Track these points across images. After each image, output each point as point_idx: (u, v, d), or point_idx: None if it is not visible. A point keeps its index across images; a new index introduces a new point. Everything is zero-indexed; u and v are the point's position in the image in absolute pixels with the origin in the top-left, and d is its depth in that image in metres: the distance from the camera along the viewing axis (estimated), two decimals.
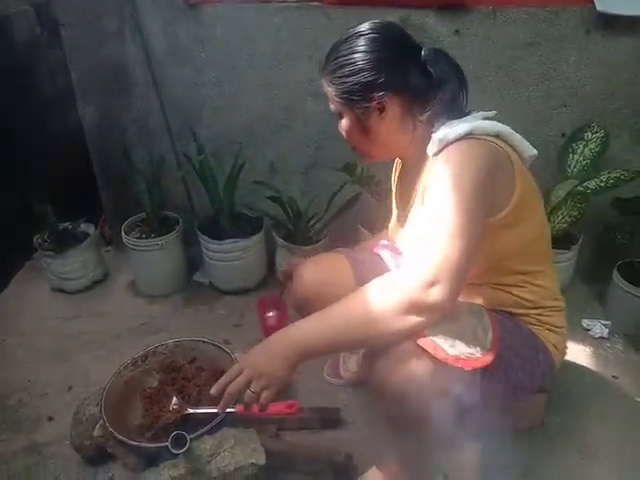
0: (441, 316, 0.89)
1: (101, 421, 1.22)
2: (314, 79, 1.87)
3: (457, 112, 1.02)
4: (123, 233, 1.96)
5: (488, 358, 0.93)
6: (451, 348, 0.90)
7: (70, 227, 2.02)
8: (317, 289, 1.25)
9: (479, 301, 1.08)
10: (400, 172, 1.25)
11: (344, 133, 1.11)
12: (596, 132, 1.81)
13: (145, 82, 1.91)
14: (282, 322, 1.76)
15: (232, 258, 1.93)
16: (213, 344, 1.39)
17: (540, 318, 1.11)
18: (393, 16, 1.74)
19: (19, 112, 2.02)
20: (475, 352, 0.92)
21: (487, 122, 0.99)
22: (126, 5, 1.79)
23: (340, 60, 1.03)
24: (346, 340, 0.95)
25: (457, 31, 1.76)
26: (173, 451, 1.08)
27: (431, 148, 1.00)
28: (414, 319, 0.89)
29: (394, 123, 1.05)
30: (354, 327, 0.93)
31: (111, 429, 1.16)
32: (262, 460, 1.13)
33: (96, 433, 1.24)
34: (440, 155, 0.97)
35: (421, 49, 1.04)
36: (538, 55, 1.80)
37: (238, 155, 1.89)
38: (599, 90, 1.84)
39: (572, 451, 1.34)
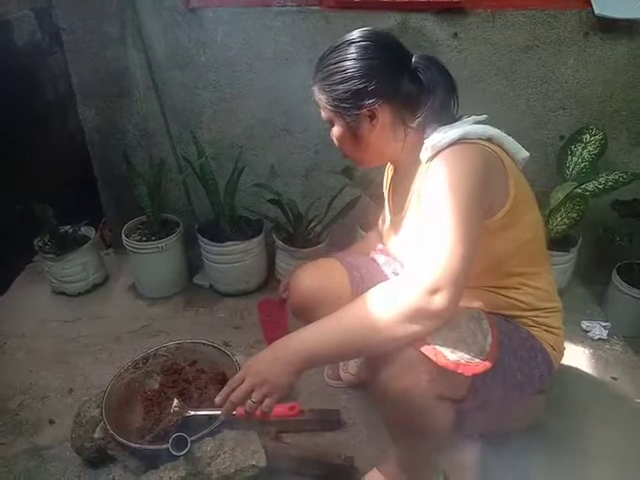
0: (443, 322, 0.90)
1: (102, 423, 1.23)
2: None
3: (448, 118, 1.03)
4: (124, 236, 1.96)
5: (488, 363, 0.93)
6: (452, 354, 0.91)
7: (71, 230, 2.03)
8: (313, 296, 1.25)
9: (476, 304, 1.08)
10: (392, 178, 1.26)
11: (335, 141, 1.12)
12: (594, 134, 1.82)
13: (146, 86, 1.92)
14: (283, 325, 1.76)
15: (232, 261, 1.94)
16: (214, 346, 1.40)
17: (537, 320, 1.12)
18: (392, 20, 1.76)
19: (20, 116, 2.03)
20: (475, 357, 0.92)
21: (479, 126, 0.99)
22: (127, 9, 1.80)
23: (331, 68, 1.03)
24: (350, 348, 0.95)
25: (456, 34, 1.77)
26: (174, 453, 1.08)
27: (424, 154, 1.00)
28: (417, 325, 0.89)
29: (385, 130, 1.05)
30: (357, 335, 0.92)
31: (112, 431, 1.16)
32: (263, 462, 1.13)
33: (97, 435, 1.24)
34: (434, 161, 0.97)
35: (411, 56, 1.04)
36: (536, 58, 1.81)
37: (238, 158, 1.90)
38: (597, 93, 1.85)
39: (571, 452, 1.34)
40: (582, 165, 1.83)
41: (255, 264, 2.01)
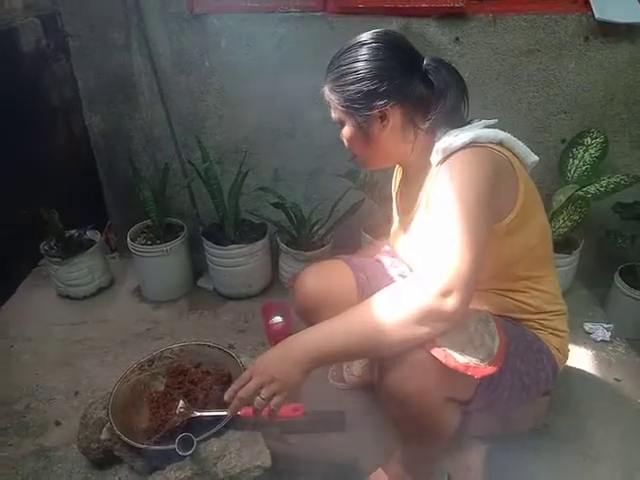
0: (453, 325, 0.90)
1: (108, 424, 1.23)
2: (317, 87, 1.90)
3: (458, 121, 1.03)
4: (129, 240, 1.98)
5: (496, 365, 0.94)
6: (461, 356, 0.92)
7: (76, 234, 2.05)
8: (319, 297, 1.26)
9: (484, 307, 1.09)
10: (401, 180, 1.27)
11: (345, 141, 1.12)
12: (596, 137, 1.83)
13: (151, 91, 1.94)
14: (287, 328, 1.77)
15: (236, 264, 1.95)
16: (219, 348, 1.41)
17: (543, 322, 1.12)
18: (394, 25, 1.78)
19: (26, 121, 2.06)
20: (484, 359, 0.93)
21: (489, 130, 1.00)
22: (132, 16, 1.82)
23: (342, 69, 1.04)
24: (360, 348, 0.95)
25: (457, 39, 1.79)
26: (180, 453, 1.09)
27: (434, 157, 1.01)
28: (427, 327, 0.90)
29: (395, 132, 1.06)
30: (368, 335, 0.93)
31: (118, 432, 1.17)
32: (268, 462, 1.14)
33: (103, 436, 1.25)
34: (444, 164, 0.98)
35: (423, 58, 1.04)
36: (538, 62, 1.82)
37: (242, 162, 1.91)
38: (598, 96, 1.86)
39: (575, 453, 1.34)
40: (584, 168, 1.84)
41: (259, 267, 2.02)
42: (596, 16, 1.72)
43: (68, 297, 2.05)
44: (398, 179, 1.29)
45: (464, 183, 0.92)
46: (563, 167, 1.87)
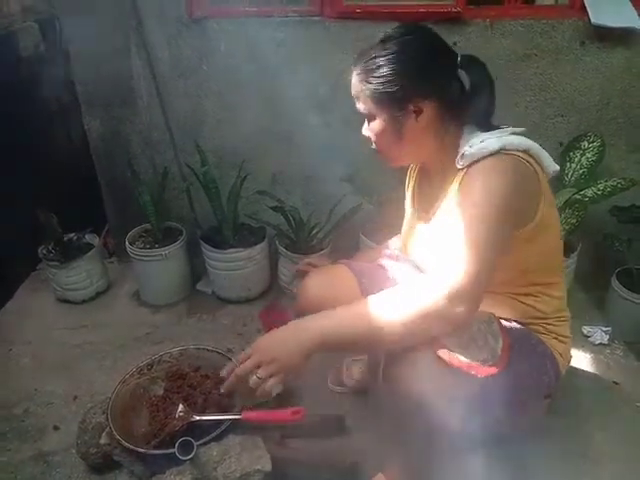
0: (460, 326, 0.92)
1: (107, 429, 1.23)
2: (315, 91, 1.91)
3: (487, 123, 1.03)
4: (127, 243, 1.98)
5: (499, 365, 0.95)
6: (464, 356, 0.93)
7: (75, 238, 2.05)
8: (323, 302, 1.24)
9: (496, 309, 1.09)
10: (419, 178, 1.25)
11: (373, 135, 1.08)
12: (592, 141, 1.84)
13: (149, 95, 1.94)
14: None
15: (235, 268, 1.95)
16: (217, 352, 1.41)
17: (548, 327, 1.13)
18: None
19: (25, 125, 2.05)
20: (487, 359, 0.94)
21: (517, 138, 0.99)
22: (131, 20, 1.82)
23: (379, 60, 1.00)
24: (365, 338, 0.95)
25: (455, 44, 1.80)
26: (180, 457, 1.09)
27: (460, 160, 1.00)
28: (435, 326, 0.91)
29: (427, 128, 1.03)
30: (376, 325, 0.93)
31: (118, 437, 1.17)
32: (268, 467, 1.14)
33: (102, 441, 1.25)
34: (470, 170, 0.97)
35: (457, 55, 1.03)
36: (534, 67, 1.83)
37: (241, 166, 1.92)
38: (595, 100, 1.87)
39: (574, 455, 1.35)
40: (581, 172, 1.85)
41: (258, 271, 2.02)
42: (592, 21, 1.73)
43: (67, 301, 2.05)
44: (414, 177, 1.27)
45: (489, 191, 0.92)
46: (560, 171, 1.87)
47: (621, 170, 1.96)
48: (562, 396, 1.48)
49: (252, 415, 1.20)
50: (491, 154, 0.96)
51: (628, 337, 1.81)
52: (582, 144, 1.86)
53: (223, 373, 0.99)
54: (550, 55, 1.81)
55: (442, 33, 1.78)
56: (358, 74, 1.04)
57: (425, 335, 0.92)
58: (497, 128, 1.02)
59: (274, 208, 1.90)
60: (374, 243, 1.79)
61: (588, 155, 1.84)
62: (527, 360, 1.07)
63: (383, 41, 1.03)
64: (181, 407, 1.22)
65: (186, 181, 2.04)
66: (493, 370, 0.94)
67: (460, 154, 1.00)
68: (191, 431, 1.18)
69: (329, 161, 2.01)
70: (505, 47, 1.81)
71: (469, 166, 0.98)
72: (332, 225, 1.96)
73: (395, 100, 1.00)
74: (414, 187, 1.26)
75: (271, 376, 0.95)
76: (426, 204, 1.16)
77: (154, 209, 1.96)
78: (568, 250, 1.89)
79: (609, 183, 1.75)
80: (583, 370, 1.65)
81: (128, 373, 1.37)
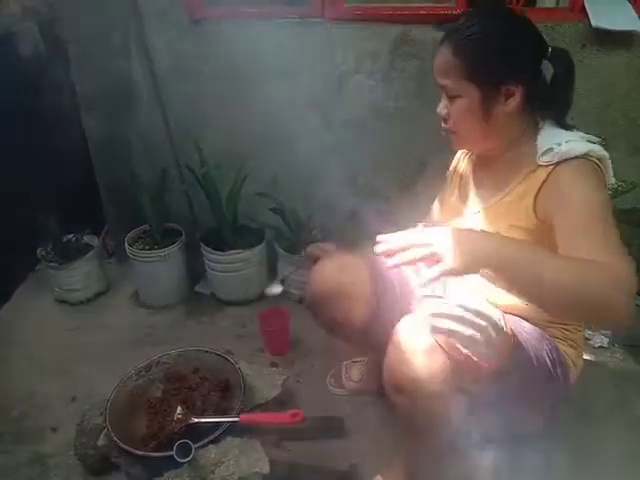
0: (623, 321, 0.83)
1: (105, 431, 1.23)
2: (315, 93, 1.91)
3: (565, 122, 1.02)
4: (126, 244, 1.98)
5: (501, 360, 0.95)
6: (466, 349, 0.92)
7: (74, 239, 2.04)
8: (332, 289, 1.25)
9: (517, 310, 1.09)
10: (473, 165, 1.20)
11: (454, 114, 1.03)
12: None
13: (149, 97, 1.94)
14: (284, 334, 1.77)
15: (234, 269, 1.95)
16: (216, 354, 1.41)
17: (566, 333, 1.13)
18: (393, 31, 1.78)
19: (24, 126, 2.05)
20: (489, 353, 0.93)
21: (596, 146, 0.98)
22: (131, 21, 1.82)
23: (480, 36, 0.97)
24: (531, 279, 0.84)
25: None
26: (178, 460, 1.08)
27: (543, 157, 0.98)
28: (596, 313, 0.83)
29: (511, 115, 1.01)
30: (547, 281, 0.83)
31: (116, 439, 1.17)
32: (266, 469, 1.14)
33: (100, 443, 1.25)
34: (563, 169, 0.95)
35: (548, 46, 1.01)
36: None
37: (240, 168, 1.92)
38: (595, 103, 1.87)
39: (573, 458, 1.34)
40: None
41: (257, 273, 2.02)
42: (592, 24, 1.73)
43: (65, 302, 2.05)
44: (467, 163, 1.23)
45: (598, 196, 0.92)
46: None
47: (622, 173, 1.95)
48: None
49: (250, 417, 1.20)
50: (576, 157, 0.95)
51: (628, 340, 1.80)
52: None
53: (380, 237, 0.89)
54: None
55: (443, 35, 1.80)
56: (452, 48, 0.99)
57: (580, 316, 0.93)
58: (572, 128, 1.02)
59: (273, 210, 1.90)
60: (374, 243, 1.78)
61: None
62: (535, 361, 1.06)
63: (485, 16, 1.00)
64: (179, 409, 1.22)
65: (185, 182, 2.03)
66: (494, 363, 0.93)
67: (543, 149, 0.97)
68: (189, 433, 1.18)
69: (329, 163, 2.00)
70: None
71: (556, 164, 0.96)
72: (331, 227, 1.96)
73: (490, 79, 0.97)
74: (467, 173, 1.21)
75: (437, 261, 0.84)
76: (483, 192, 1.12)
77: (153, 210, 1.96)
78: None
79: (610, 186, 1.75)
80: (583, 373, 1.64)
81: (126, 375, 1.37)
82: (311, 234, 1.97)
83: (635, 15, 1.72)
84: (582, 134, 1.01)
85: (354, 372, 1.59)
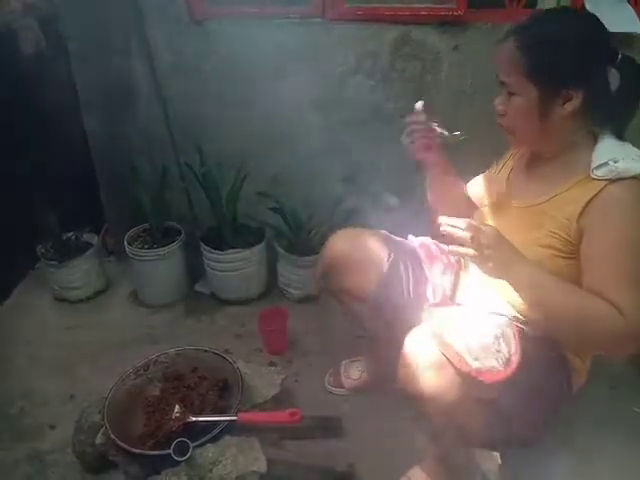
0: (619, 356, 0.95)
1: (103, 429, 1.23)
2: (316, 93, 1.91)
3: (623, 136, 0.99)
4: (126, 243, 1.98)
5: (508, 371, 0.95)
6: (475, 361, 0.94)
7: (73, 237, 2.04)
8: (345, 260, 1.28)
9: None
10: (523, 164, 1.17)
11: (511, 110, 1.02)
12: None
13: (150, 95, 1.94)
14: (283, 334, 1.77)
15: (234, 268, 1.95)
16: (215, 353, 1.41)
17: None
18: (394, 32, 1.78)
19: (24, 123, 2.05)
20: (497, 365, 0.95)
21: None
22: (132, 19, 1.82)
23: (550, 34, 0.95)
24: (536, 307, 0.98)
25: (456, 47, 1.80)
26: (176, 458, 1.09)
27: (597, 170, 0.95)
28: (598, 347, 0.98)
29: (568, 119, 0.98)
30: (555, 306, 0.95)
31: (113, 437, 1.17)
32: (264, 468, 1.14)
33: (98, 441, 1.25)
34: (617, 190, 0.92)
35: (618, 53, 0.97)
36: None
37: (241, 167, 1.92)
38: None
39: (570, 460, 1.34)
40: None
41: (256, 272, 2.02)
42: None
43: (64, 300, 2.04)
44: (519, 160, 1.20)
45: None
46: None
47: None
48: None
49: (248, 417, 1.20)
50: (633, 177, 0.92)
51: None
52: None
53: (441, 219, 0.96)
54: None
55: (443, 36, 1.81)
56: (518, 44, 0.97)
57: (596, 348, 1.02)
58: (627, 143, 0.99)
59: (273, 209, 1.90)
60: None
61: None
62: (544, 371, 1.06)
63: (558, 14, 0.99)
64: (177, 408, 1.22)
65: (185, 181, 2.03)
66: (501, 376, 0.94)
67: (598, 162, 0.95)
68: (187, 432, 1.18)
69: (329, 162, 2.00)
70: None
71: (610, 180, 0.93)
72: (331, 227, 1.95)
73: (551, 80, 0.96)
74: (516, 167, 1.20)
75: (483, 251, 0.93)
76: (525, 194, 1.10)
77: (153, 209, 1.96)
78: None
79: None
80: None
81: (125, 373, 1.37)
82: (311, 234, 1.97)
83: (635, 17, 1.72)
84: (636, 151, 0.97)
85: (353, 371, 1.59)
